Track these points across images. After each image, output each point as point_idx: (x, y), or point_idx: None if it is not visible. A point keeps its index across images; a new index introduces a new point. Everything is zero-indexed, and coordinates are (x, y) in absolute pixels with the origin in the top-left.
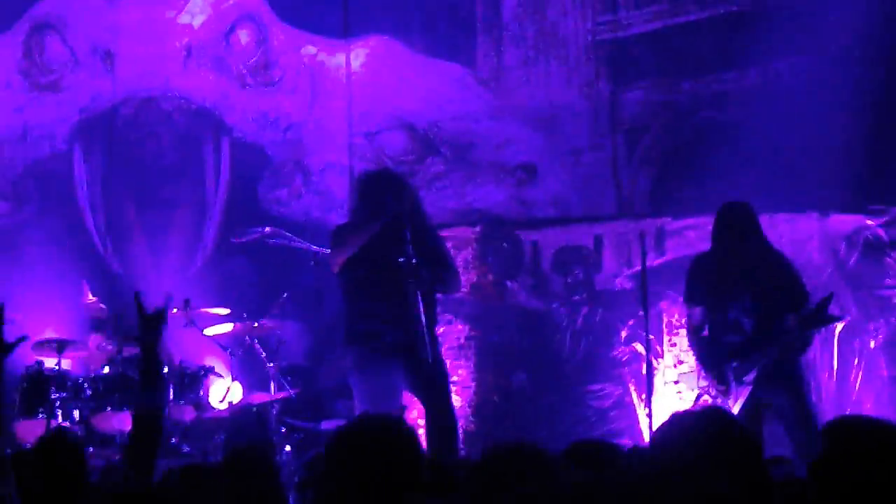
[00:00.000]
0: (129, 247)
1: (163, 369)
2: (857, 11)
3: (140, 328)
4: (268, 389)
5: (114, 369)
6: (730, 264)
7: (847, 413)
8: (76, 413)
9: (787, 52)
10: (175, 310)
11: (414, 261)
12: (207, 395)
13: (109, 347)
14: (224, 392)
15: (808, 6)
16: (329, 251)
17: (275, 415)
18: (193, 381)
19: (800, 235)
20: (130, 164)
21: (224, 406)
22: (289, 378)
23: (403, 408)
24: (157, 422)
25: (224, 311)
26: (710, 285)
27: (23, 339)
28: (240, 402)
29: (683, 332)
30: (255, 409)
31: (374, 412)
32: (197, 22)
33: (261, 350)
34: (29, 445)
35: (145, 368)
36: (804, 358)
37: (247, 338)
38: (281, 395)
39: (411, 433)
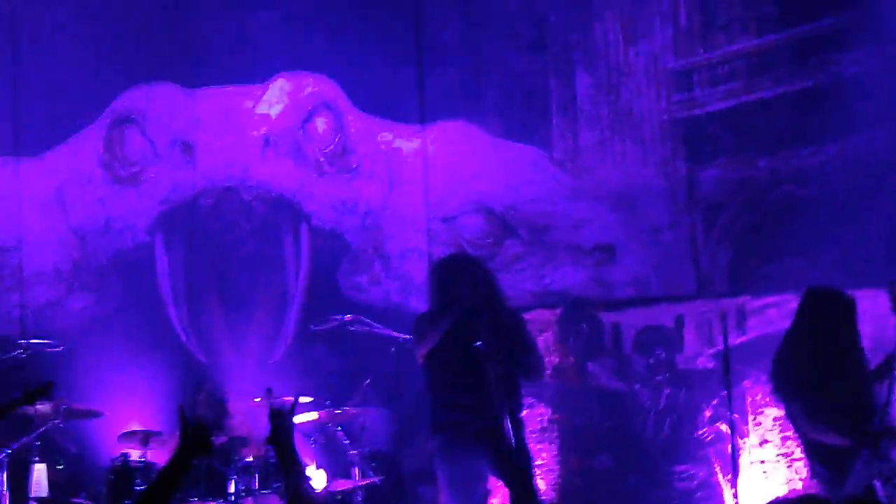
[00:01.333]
0: (211, 337)
1: (297, 458)
2: None
3: (271, 428)
4: (351, 476)
5: (199, 460)
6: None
7: None
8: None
9: (863, 125)
10: (258, 399)
11: (491, 346)
12: None
13: None
14: (310, 479)
15: (884, 81)
16: (410, 337)
17: (359, 502)
18: (278, 470)
19: (882, 310)
20: (212, 255)
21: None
22: (372, 464)
23: (488, 492)
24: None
25: (306, 399)
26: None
27: (50, 384)
28: (324, 489)
29: (767, 410)
30: (339, 496)
31: (458, 498)
32: (274, 112)
33: (344, 437)
34: None
35: (282, 466)
36: None
37: (329, 425)
38: (364, 481)
39: None
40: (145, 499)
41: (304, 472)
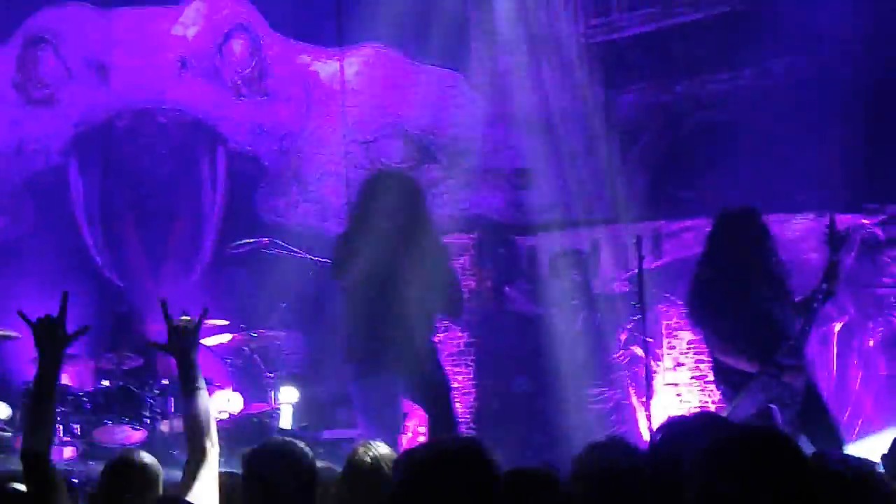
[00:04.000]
0: (126, 259)
1: (198, 373)
2: (850, 11)
3: (170, 337)
4: (267, 399)
5: (114, 383)
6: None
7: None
8: (77, 427)
9: (780, 52)
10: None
11: (408, 271)
12: None
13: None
14: (224, 403)
15: (801, 6)
16: (328, 261)
17: (275, 424)
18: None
19: (796, 235)
20: (127, 177)
21: (224, 417)
22: (288, 387)
23: (404, 415)
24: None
25: (222, 322)
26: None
27: (86, 328)
28: (240, 412)
29: (682, 333)
30: (255, 419)
31: (374, 422)
32: (190, 33)
33: (260, 360)
34: None
35: (182, 376)
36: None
37: (246, 348)
38: (280, 404)
39: (489, 455)
40: (184, 390)
41: (200, 387)
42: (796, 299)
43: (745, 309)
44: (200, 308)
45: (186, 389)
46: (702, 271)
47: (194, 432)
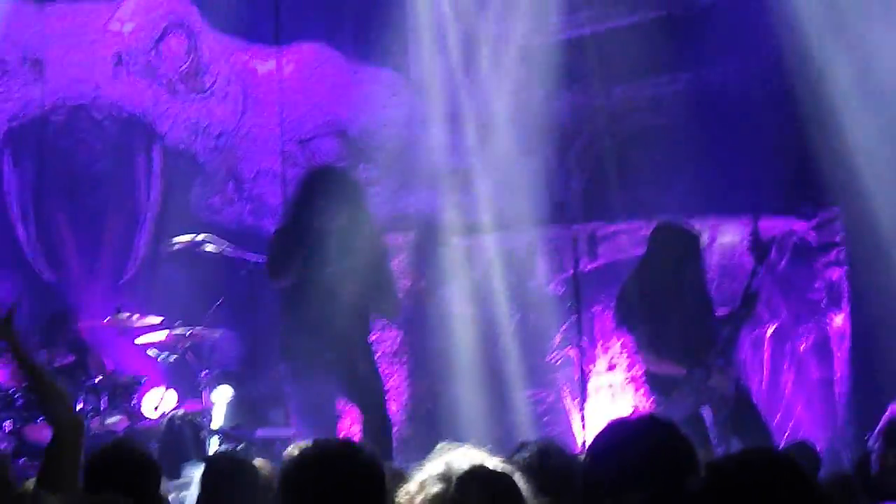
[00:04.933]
0: (60, 255)
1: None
2: (785, 17)
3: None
4: (201, 398)
5: None
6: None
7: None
8: (7, 424)
9: (716, 57)
10: (107, 319)
11: (345, 270)
12: (140, 404)
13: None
14: (158, 401)
15: (738, 12)
16: (263, 259)
17: (208, 423)
18: (126, 390)
19: (730, 239)
20: (61, 173)
21: (157, 415)
22: (223, 386)
23: (338, 416)
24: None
25: (157, 320)
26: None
27: (14, 305)
28: (173, 410)
29: (616, 336)
30: (188, 417)
31: (308, 421)
32: (127, 29)
33: (194, 358)
34: None
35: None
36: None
37: (180, 346)
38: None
39: (372, 456)
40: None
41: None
42: (727, 308)
43: (672, 316)
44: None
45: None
46: (632, 279)
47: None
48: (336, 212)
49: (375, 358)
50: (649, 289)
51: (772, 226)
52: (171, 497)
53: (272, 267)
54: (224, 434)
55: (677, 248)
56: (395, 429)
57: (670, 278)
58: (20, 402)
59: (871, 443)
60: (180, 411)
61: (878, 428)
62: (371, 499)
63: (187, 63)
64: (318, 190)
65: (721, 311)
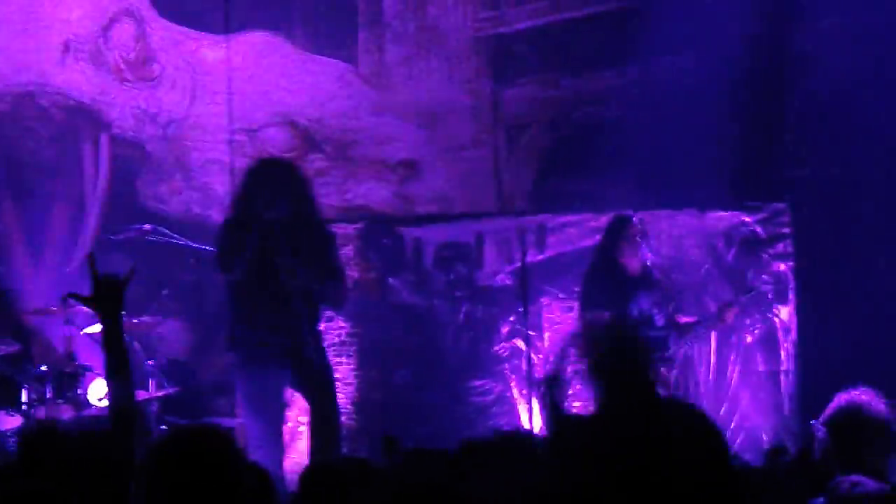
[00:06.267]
0: (6, 244)
1: (121, 339)
2: (734, 11)
3: (95, 290)
4: (147, 387)
5: None
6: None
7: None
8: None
9: (666, 50)
10: (53, 308)
11: (292, 260)
12: (86, 394)
13: None
14: (104, 390)
15: (688, 6)
16: (211, 249)
17: (154, 412)
18: (72, 379)
19: (679, 231)
20: (7, 161)
21: (104, 404)
22: (169, 375)
23: (286, 405)
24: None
25: None
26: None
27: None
28: None
29: (563, 327)
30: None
31: (256, 411)
32: (74, 16)
33: (139, 347)
34: None
35: (106, 339)
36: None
37: (125, 335)
38: (160, 392)
39: (227, 440)
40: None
41: (127, 363)
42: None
43: (612, 305)
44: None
45: (110, 365)
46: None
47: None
48: (282, 202)
49: (324, 347)
50: (595, 275)
51: (720, 219)
52: None
53: (222, 259)
54: (170, 424)
55: (623, 235)
56: (342, 419)
57: (614, 267)
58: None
59: (816, 432)
60: None
61: (822, 416)
62: (224, 481)
63: (135, 50)
64: (264, 181)
65: (685, 319)
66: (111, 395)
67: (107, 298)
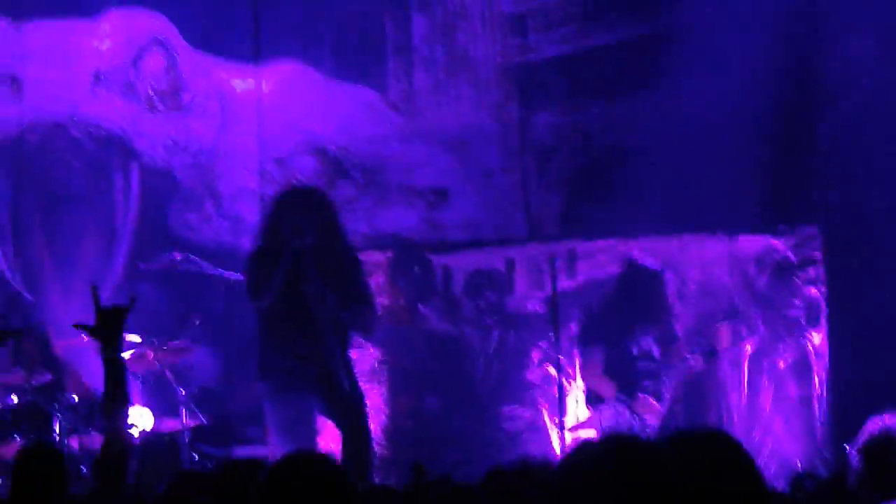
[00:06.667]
0: (37, 273)
1: (123, 370)
2: (761, 34)
3: (97, 320)
4: (178, 416)
5: (23, 398)
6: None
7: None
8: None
9: (694, 74)
10: (84, 338)
11: (320, 288)
12: None
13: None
14: (136, 419)
15: (716, 30)
16: (241, 277)
17: (186, 442)
18: (101, 409)
19: (709, 256)
20: (38, 192)
21: (135, 433)
22: (200, 404)
23: (317, 432)
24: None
25: (136, 339)
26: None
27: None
28: (151, 429)
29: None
30: (166, 436)
31: (287, 439)
32: (105, 47)
33: (171, 376)
34: None
35: (107, 370)
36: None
37: (157, 364)
38: (192, 421)
39: (338, 469)
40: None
41: (124, 391)
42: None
43: (620, 341)
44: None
45: (108, 399)
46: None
47: (106, 462)
48: (309, 229)
49: (355, 375)
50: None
51: (751, 243)
52: None
53: (252, 287)
54: (202, 453)
55: (639, 281)
56: (374, 446)
57: (628, 304)
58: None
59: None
60: (156, 430)
61: (855, 442)
62: None
63: (166, 80)
64: (291, 209)
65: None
66: (105, 420)
67: (107, 327)
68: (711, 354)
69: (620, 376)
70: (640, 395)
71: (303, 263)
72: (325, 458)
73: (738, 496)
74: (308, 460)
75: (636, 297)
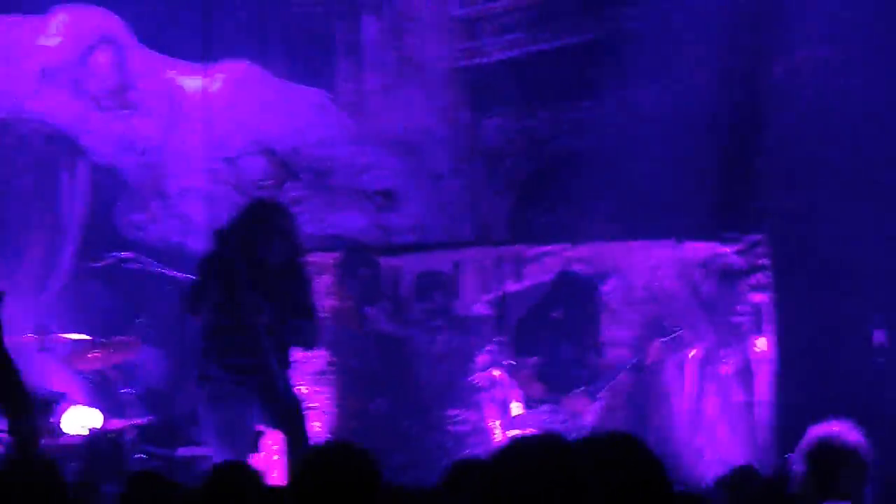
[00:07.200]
0: None
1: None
2: (709, 42)
3: None
4: (124, 415)
5: None
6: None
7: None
8: None
9: (642, 81)
10: (30, 335)
11: (256, 298)
12: (59, 422)
13: None
14: (80, 418)
15: (664, 37)
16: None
17: (130, 441)
18: (45, 407)
19: (655, 262)
20: None
21: (81, 432)
22: (147, 403)
23: (256, 437)
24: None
25: (83, 337)
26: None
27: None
28: (96, 428)
29: None
30: (110, 435)
31: (223, 443)
32: (53, 44)
33: (117, 375)
34: None
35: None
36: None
37: (103, 363)
38: (137, 420)
39: (371, 458)
40: None
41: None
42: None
43: (552, 347)
44: (56, 322)
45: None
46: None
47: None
48: (279, 248)
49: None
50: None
51: (697, 249)
52: None
53: (187, 302)
54: (146, 453)
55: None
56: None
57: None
58: None
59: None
60: (101, 430)
61: (798, 448)
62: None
63: (114, 78)
64: (265, 223)
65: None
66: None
67: None
68: (640, 370)
69: (553, 380)
70: (573, 398)
71: (237, 271)
72: (356, 447)
73: (642, 492)
74: (343, 450)
75: (569, 305)
